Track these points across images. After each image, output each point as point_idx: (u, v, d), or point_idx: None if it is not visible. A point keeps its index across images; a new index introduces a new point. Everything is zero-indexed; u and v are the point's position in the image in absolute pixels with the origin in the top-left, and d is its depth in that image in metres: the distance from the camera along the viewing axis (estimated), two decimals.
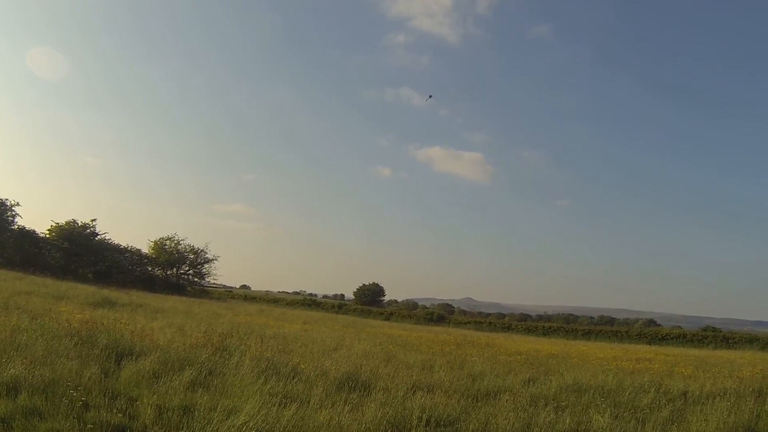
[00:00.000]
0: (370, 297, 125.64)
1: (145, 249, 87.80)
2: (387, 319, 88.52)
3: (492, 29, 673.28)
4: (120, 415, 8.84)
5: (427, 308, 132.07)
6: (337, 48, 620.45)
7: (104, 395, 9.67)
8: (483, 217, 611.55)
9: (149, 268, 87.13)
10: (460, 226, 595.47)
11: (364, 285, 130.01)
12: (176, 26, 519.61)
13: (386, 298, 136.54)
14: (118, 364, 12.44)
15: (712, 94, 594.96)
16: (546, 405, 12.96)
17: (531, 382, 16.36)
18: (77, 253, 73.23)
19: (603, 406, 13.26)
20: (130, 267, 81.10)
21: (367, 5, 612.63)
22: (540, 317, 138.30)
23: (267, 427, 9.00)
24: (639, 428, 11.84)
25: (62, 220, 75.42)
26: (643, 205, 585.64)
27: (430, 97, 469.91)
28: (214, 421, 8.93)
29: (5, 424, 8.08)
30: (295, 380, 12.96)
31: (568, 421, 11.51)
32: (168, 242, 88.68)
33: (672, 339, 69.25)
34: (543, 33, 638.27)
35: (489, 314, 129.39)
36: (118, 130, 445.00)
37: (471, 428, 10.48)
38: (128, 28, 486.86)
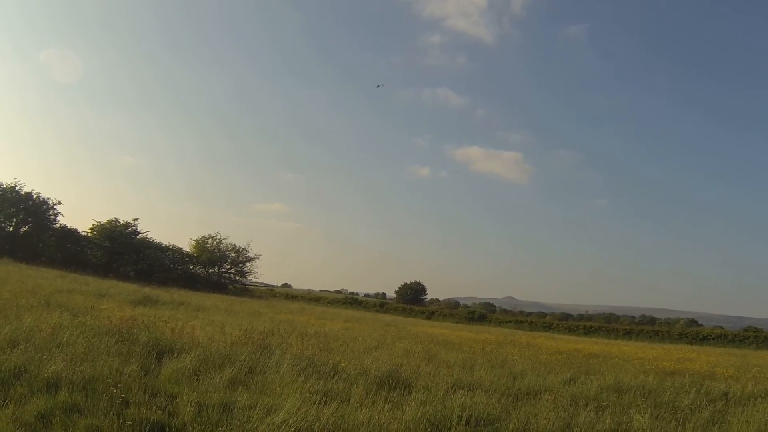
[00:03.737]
0: (412, 296, 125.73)
1: (187, 248, 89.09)
2: (428, 318, 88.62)
3: (527, 29, 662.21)
4: (159, 412, 8.87)
5: (469, 307, 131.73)
6: (371, 49, 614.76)
7: (144, 392, 9.75)
8: (521, 216, 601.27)
9: (191, 267, 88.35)
10: (499, 226, 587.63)
11: (405, 284, 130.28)
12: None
13: (428, 296, 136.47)
14: (159, 362, 12.54)
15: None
16: (586, 405, 12.79)
17: (572, 382, 16.19)
18: (119, 251, 74.32)
19: (643, 406, 13.08)
20: (171, 265, 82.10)
21: (401, 6, 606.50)
22: (581, 316, 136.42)
23: (306, 425, 8.98)
24: (679, 429, 11.64)
25: (104, 219, 76.93)
26: (682, 205, 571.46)
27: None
28: (254, 419, 8.94)
29: (45, 420, 8.17)
30: (336, 378, 12.94)
31: (608, 421, 11.33)
32: (210, 241, 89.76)
33: (713, 339, 68.45)
34: (578, 33, 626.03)
35: (530, 313, 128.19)
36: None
37: (511, 428, 10.37)
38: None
